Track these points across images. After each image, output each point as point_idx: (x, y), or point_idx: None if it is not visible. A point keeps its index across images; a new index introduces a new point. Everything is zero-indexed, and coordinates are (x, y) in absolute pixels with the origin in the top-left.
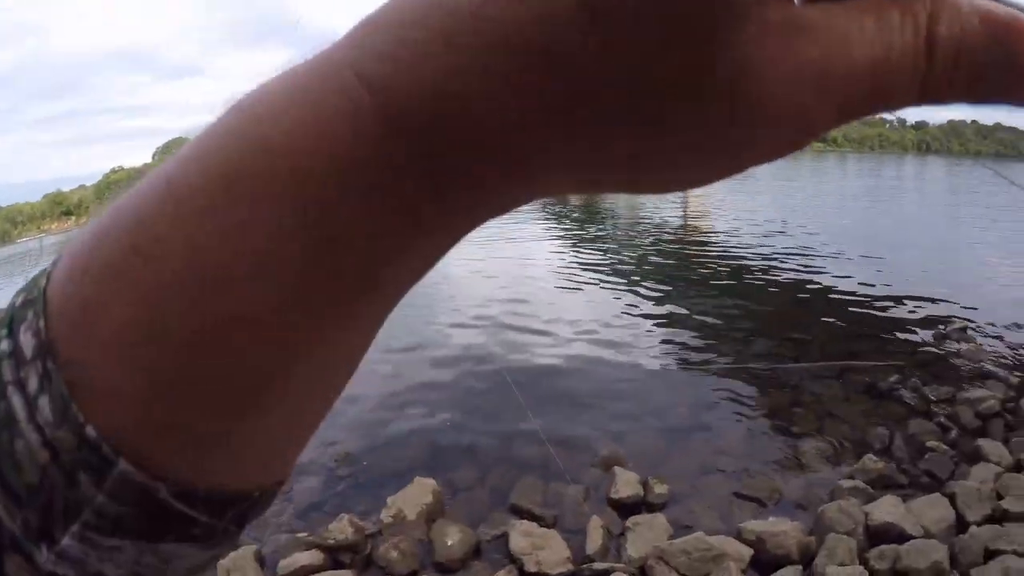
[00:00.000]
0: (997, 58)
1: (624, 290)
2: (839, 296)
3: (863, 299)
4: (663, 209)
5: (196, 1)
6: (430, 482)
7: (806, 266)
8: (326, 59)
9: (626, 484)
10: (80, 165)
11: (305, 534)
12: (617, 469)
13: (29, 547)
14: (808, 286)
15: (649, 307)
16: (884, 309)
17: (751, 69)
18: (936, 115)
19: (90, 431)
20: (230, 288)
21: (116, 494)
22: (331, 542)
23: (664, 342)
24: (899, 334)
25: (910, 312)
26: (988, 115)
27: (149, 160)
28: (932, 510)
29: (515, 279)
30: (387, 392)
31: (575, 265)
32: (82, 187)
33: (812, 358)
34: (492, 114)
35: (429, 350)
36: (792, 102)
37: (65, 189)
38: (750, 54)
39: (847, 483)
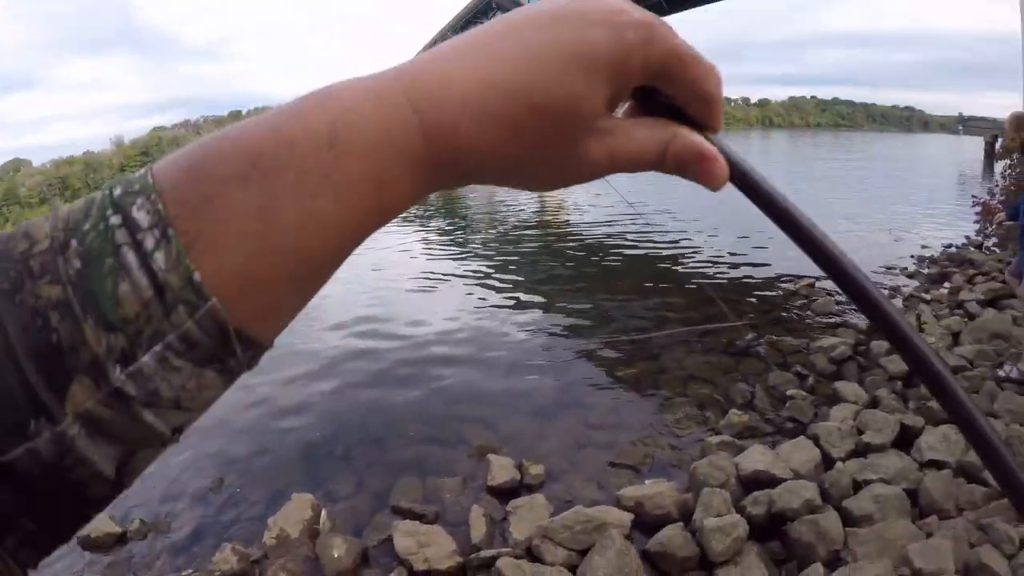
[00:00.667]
0: (695, 167)
1: (483, 284)
2: (692, 267)
3: (714, 267)
4: (519, 201)
5: (29, 8)
6: (308, 497)
7: (657, 242)
8: (385, 83)
9: (502, 470)
10: None
11: (190, 571)
12: (491, 456)
13: (107, 366)
14: (661, 262)
15: (509, 297)
16: (735, 275)
17: (586, 149)
18: (778, 92)
19: (196, 276)
20: (320, 202)
21: (202, 323)
22: (218, 574)
23: (527, 329)
24: (751, 296)
25: (759, 274)
26: (827, 91)
27: None
28: (799, 453)
29: (372, 285)
30: (253, 412)
31: (432, 264)
32: None
33: (671, 327)
34: (481, 160)
35: (291, 366)
36: (599, 163)
37: None
38: (588, 145)
39: (715, 439)
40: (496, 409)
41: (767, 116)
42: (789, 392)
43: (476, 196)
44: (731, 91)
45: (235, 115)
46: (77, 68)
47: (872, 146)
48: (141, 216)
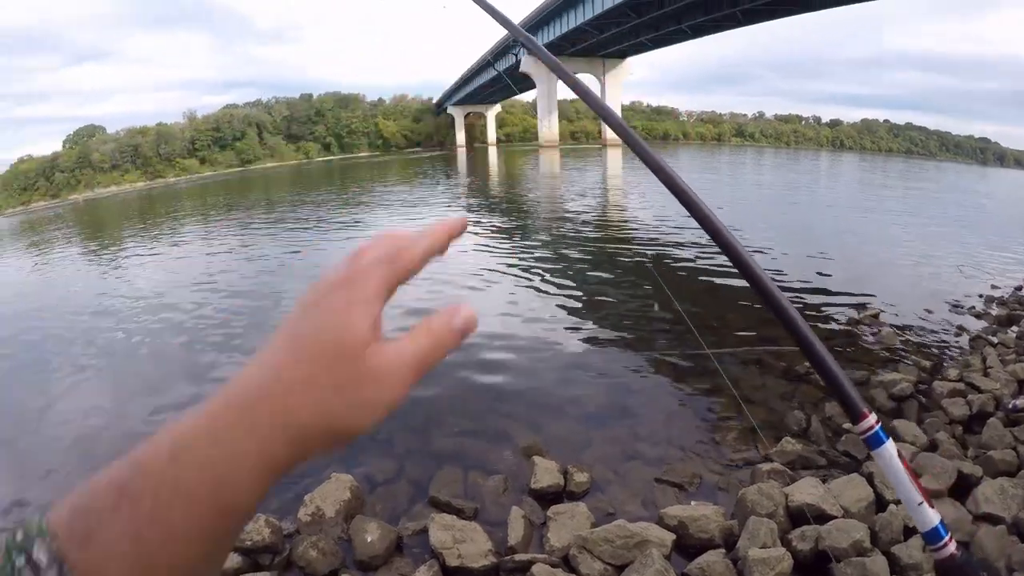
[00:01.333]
0: (456, 324)
1: (538, 283)
2: (746, 285)
3: (779, 287)
4: (582, 201)
5: None
6: (347, 478)
7: (719, 255)
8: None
9: (546, 473)
10: None
11: None
12: (536, 459)
13: None
14: (725, 275)
15: (563, 298)
16: (800, 296)
17: (383, 378)
18: (850, 113)
19: None
20: (174, 513)
21: None
22: (248, 544)
23: (582, 332)
24: (813, 321)
25: (825, 299)
26: (900, 115)
27: (59, 148)
28: (851, 490)
29: (424, 277)
30: None
31: (491, 258)
32: None
33: (730, 344)
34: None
35: None
36: (404, 379)
37: None
38: (381, 375)
39: (766, 466)
40: (544, 410)
41: (838, 137)
42: (845, 425)
43: (536, 194)
44: (803, 109)
45: (306, 97)
46: (148, 42)
47: (944, 176)
48: (41, 556)
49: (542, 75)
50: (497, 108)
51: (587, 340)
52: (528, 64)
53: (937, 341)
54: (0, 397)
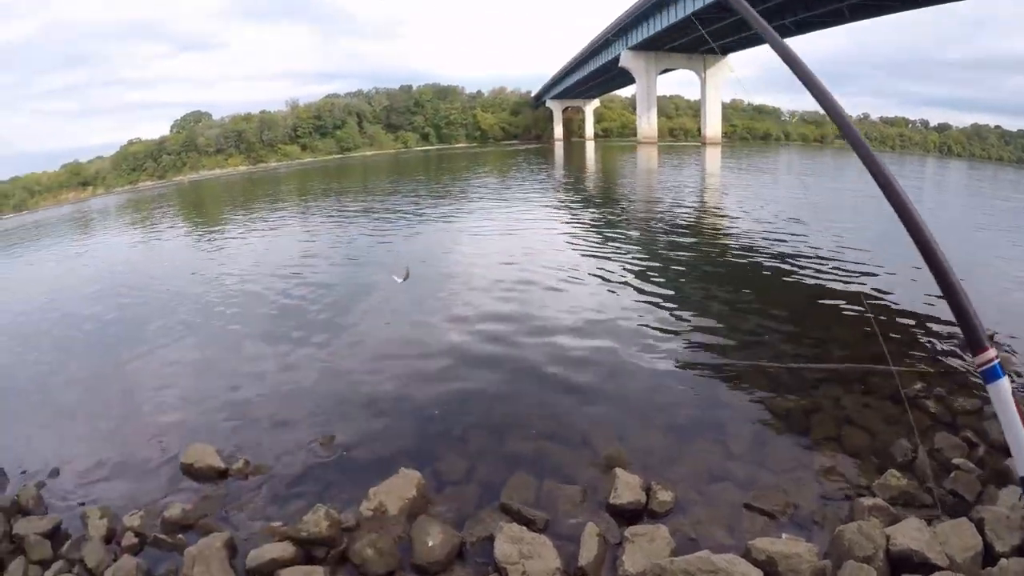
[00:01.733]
0: None
1: (629, 283)
2: (860, 297)
3: (884, 301)
4: (679, 196)
5: None
6: (415, 474)
7: (824, 264)
8: None
9: (627, 488)
10: (92, 136)
11: (279, 523)
12: (618, 471)
13: None
14: (827, 285)
15: (660, 299)
16: (907, 313)
17: None
18: (959, 118)
19: None
20: None
21: None
22: (304, 535)
23: (674, 335)
24: (923, 339)
25: (934, 317)
26: (1013, 122)
27: (167, 132)
28: (958, 537)
29: (513, 275)
30: (380, 376)
31: (578, 258)
32: (99, 158)
33: (832, 359)
34: None
35: (426, 339)
36: None
37: (82, 160)
38: None
39: (868, 501)
40: (629, 418)
41: (945, 143)
42: (955, 460)
43: (631, 185)
44: (909, 112)
45: (406, 88)
46: (251, 34)
47: None
48: None
49: (640, 70)
50: (596, 103)
51: (679, 346)
52: (627, 59)
53: None
54: (103, 357)
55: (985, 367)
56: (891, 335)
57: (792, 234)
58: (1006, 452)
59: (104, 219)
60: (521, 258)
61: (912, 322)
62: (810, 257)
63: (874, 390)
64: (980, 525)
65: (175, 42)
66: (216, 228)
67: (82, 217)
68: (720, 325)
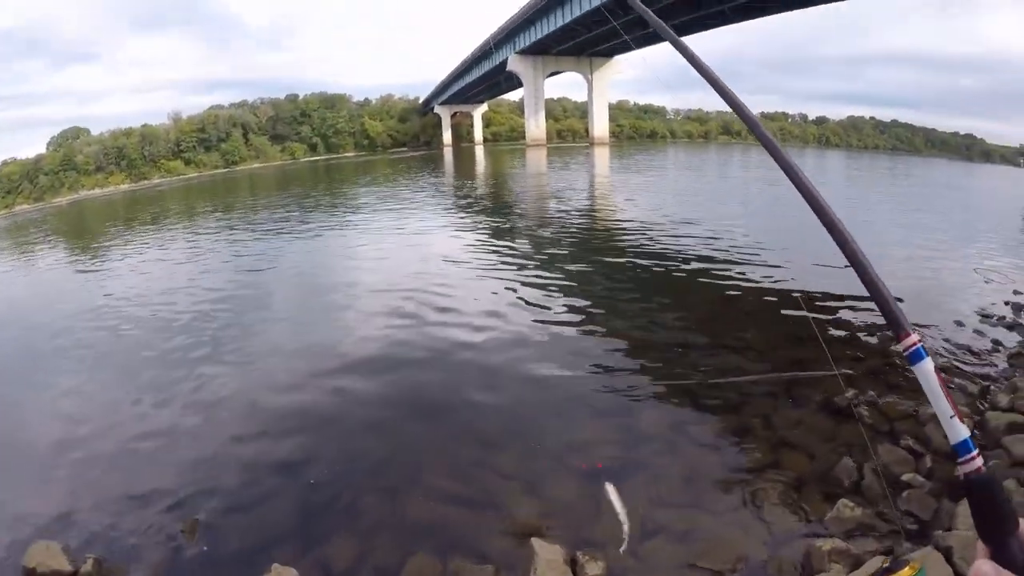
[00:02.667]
0: None
1: (532, 296)
2: (769, 295)
3: (795, 298)
4: (573, 198)
5: None
6: (291, 573)
7: (729, 261)
8: None
9: (549, 566)
10: None
11: None
12: (535, 542)
13: None
14: (735, 284)
15: (563, 316)
16: (820, 309)
17: None
18: (837, 110)
19: None
20: None
21: None
22: None
23: (582, 357)
24: (840, 336)
25: (848, 312)
26: (886, 112)
27: (43, 151)
28: (932, 571)
29: (408, 286)
30: (254, 426)
31: (476, 266)
32: None
33: (755, 369)
34: None
35: (305, 378)
36: None
37: None
38: None
39: (824, 544)
40: (543, 463)
41: (824, 134)
42: (904, 476)
43: (522, 190)
44: (789, 107)
45: (292, 98)
46: (137, 44)
47: (932, 173)
48: None
49: (528, 73)
50: (484, 107)
51: (588, 370)
52: (515, 62)
53: (976, 360)
54: None
55: (910, 350)
56: (805, 336)
57: (691, 232)
58: (949, 457)
59: None
60: (411, 275)
61: (829, 317)
62: (708, 254)
63: (802, 401)
64: (948, 554)
65: (56, 55)
66: (100, 254)
67: None
68: (631, 339)
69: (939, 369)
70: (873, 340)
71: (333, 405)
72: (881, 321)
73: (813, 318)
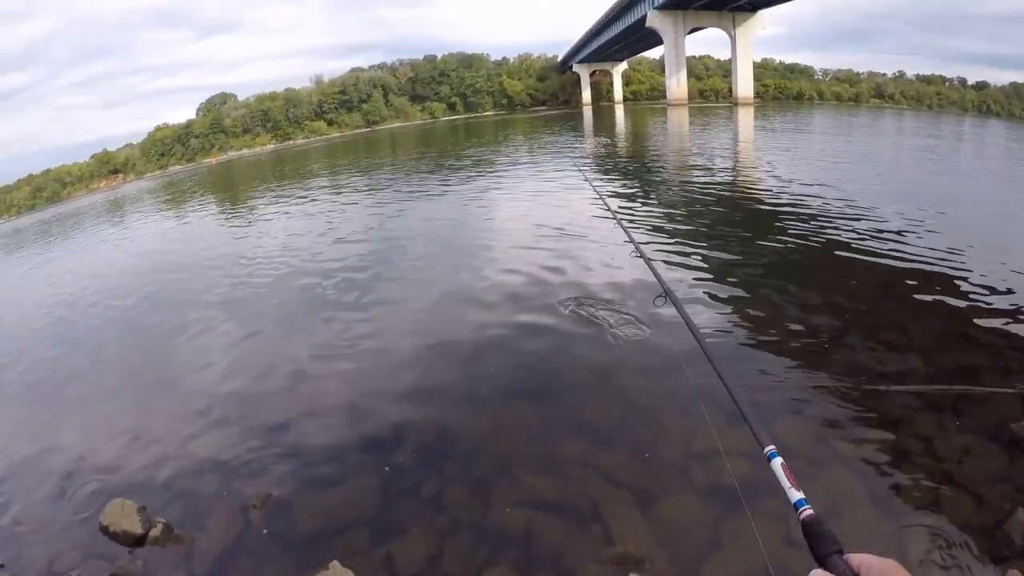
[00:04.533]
0: None
1: (663, 269)
2: (937, 285)
3: (965, 291)
4: (713, 163)
5: None
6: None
7: (887, 243)
8: None
9: None
10: (120, 125)
11: None
12: None
13: None
14: (896, 269)
15: (698, 291)
16: (994, 308)
17: None
18: (1000, 76)
19: None
20: None
21: None
22: None
23: (717, 345)
24: (1016, 343)
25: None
26: None
27: (193, 116)
28: None
29: (542, 243)
30: (343, 395)
31: (610, 227)
32: (128, 145)
33: (916, 376)
34: None
35: (408, 341)
36: None
37: (111, 149)
38: None
39: None
40: (661, 471)
41: (984, 101)
42: None
43: (662, 151)
44: (945, 69)
45: (430, 59)
46: (276, 11)
47: None
48: None
49: (669, 30)
50: (624, 65)
51: (721, 357)
52: (654, 19)
53: None
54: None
55: (767, 453)
56: (977, 339)
57: (844, 206)
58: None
59: (128, 206)
60: (543, 237)
61: (995, 320)
62: (863, 233)
63: (971, 424)
64: None
65: (197, 26)
66: (244, 207)
67: (113, 204)
68: (773, 328)
69: (784, 464)
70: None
71: (436, 374)
72: None
73: (978, 315)
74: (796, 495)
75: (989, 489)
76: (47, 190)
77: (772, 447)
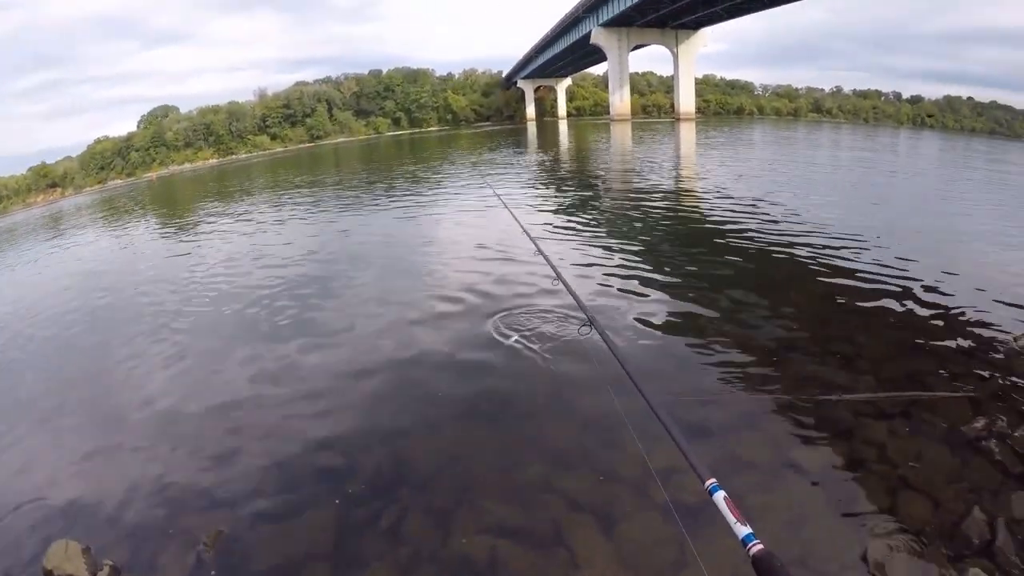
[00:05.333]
0: None
1: (611, 282)
2: (881, 294)
3: (907, 298)
4: (656, 177)
5: None
6: None
7: (831, 252)
8: None
9: None
10: (65, 136)
11: None
12: None
13: None
14: (840, 279)
15: (648, 306)
16: (935, 313)
17: None
18: (932, 90)
19: None
20: None
21: None
22: None
23: (670, 360)
24: (964, 347)
25: (968, 316)
26: (985, 93)
27: (134, 128)
28: None
29: (485, 258)
30: (294, 419)
31: (555, 240)
32: (67, 158)
33: (868, 384)
34: None
35: (371, 355)
36: None
37: (50, 161)
38: None
39: None
40: (622, 491)
41: (918, 115)
42: None
43: (606, 164)
44: (883, 84)
45: (376, 73)
46: (225, 24)
47: None
48: None
49: (613, 47)
50: (567, 82)
51: (675, 372)
52: (598, 35)
53: None
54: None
55: (708, 487)
56: (923, 345)
57: (786, 218)
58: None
59: (66, 221)
60: (487, 253)
61: (937, 324)
62: (807, 243)
63: (923, 428)
64: None
65: (146, 36)
66: (180, 225)
67: (49, 220)
68: (725, 341)
69: (727, 497)
70: (1000, 356)
71: (389, 397)
72: (995, 321)
73: (932, 324)
74: (743, 530)
75: (944, 490)
76: None
77: (713, 480)
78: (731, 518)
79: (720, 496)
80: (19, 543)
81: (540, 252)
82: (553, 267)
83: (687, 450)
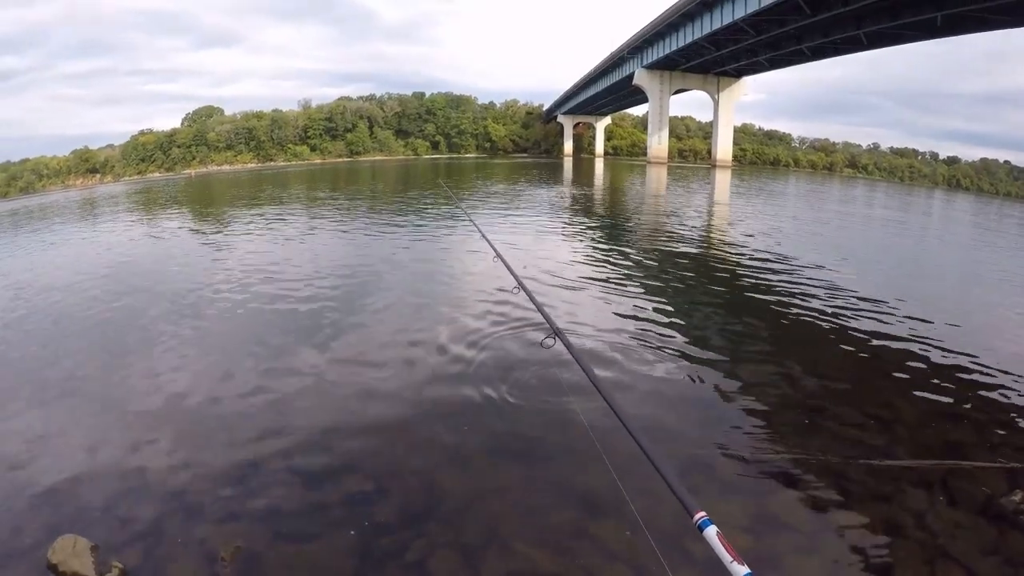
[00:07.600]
0: None
1: (638, 328)
2: (918, 359)
3: (947, 366)
4: (689, 223)
5: None
6: None
7: (869, 313)
8: None
9: None
10: (108, 124)
11: None
12: None
13: None
14: (877, 342)
15: (678, 357)
16: (974, 380)
17: None
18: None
19: None
20: None
21: None
22: None
23: (702, 412)
24: (1003, 419)
25: (1007, 386)
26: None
27: (178, 125)
28: None
29: (515, 292)
30: (323, 441)
31: (583, 281)
32: (110, 146)
33: (906, 451)
34: None
35: (390, 384)
36: None
37: (93, 147)
38: None
39: None
40: (659, 544)
41: (955, 176)
42: None
43: (640, 206)
44: (918, 143)
45: (418, 95)
46: (274, 33)
47: None
48: None
49: (654, 89)
50: (607, 120)
51: (710, 425)
52: (641, 77)
53: None
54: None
55: (698, 522)
56: (962, 414)
57: (821, 274)
58: None
59: (103, 207)
60: (517, 286)
61: (979, 393)
62: (844, 306)
63: (961, 499)
64: None
65: (197, 36)
66: (217, 222)
67: (86, 204)
68: (759, 398)
69: (719, 533)
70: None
71: (423, 426)
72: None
73: (963, 390)
74: (741, 569)
75: (982, 562)
76: (22, 180)
77: (702, 514)
78: (726, 556)
79: (712, 531)
80: (22, 529)
81: (521, 287)
82: (553, 326)
83: (672, 482)
